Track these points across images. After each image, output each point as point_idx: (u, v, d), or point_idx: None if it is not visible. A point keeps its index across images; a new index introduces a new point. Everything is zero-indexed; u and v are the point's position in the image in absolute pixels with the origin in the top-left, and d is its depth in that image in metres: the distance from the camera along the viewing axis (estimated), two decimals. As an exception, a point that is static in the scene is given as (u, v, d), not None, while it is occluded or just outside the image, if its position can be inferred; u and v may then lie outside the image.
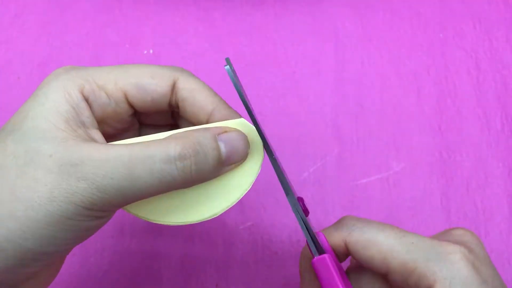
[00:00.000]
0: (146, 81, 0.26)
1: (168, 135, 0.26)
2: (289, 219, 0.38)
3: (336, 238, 0.28)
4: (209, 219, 0.27)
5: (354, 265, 0.29)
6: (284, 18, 0.45)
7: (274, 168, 0.26)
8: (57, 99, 0.24)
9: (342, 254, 0.28)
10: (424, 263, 0.25)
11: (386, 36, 0.44)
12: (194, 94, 0.27)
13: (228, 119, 0.27)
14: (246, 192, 0.27)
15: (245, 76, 0.43)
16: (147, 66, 0.27)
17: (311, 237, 0.27)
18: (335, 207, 0.39)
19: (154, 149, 0.23)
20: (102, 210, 0.24)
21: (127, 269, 0.38)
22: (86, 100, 0.25)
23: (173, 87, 0.27)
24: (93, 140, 0.25)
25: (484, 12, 0.45)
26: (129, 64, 0.27)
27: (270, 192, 0.39)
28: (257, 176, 0.27)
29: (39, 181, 0.23)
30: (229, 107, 0.28)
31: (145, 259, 0.38)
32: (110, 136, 0.28)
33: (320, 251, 0.27)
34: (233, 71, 0.26)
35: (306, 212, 0.28)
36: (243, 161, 0.27)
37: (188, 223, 0.27)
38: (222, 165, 0.26)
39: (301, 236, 0.39)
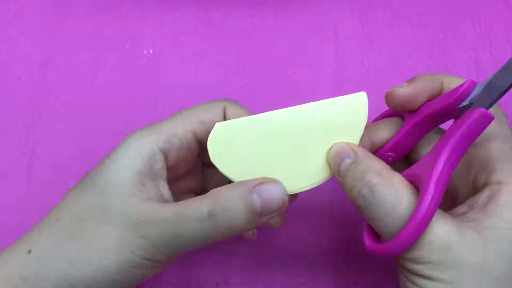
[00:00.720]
0: (205, 116, 0.30)
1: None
2: (288, 219, 0.38)
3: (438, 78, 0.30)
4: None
5: None
6: (284, 18, 0.45)
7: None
8: (133, 154, 0.28)
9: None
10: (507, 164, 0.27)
11: (386, 36, 0.44)
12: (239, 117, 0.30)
13: None
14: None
15: (245, 76, 0.43)
16: (199, 105, 0.31)
17: None
18: (335, 207, 0.39)
19: (191, 209, 0.27)
20: (158, 260, 0.28)
21: (127, 269, 0.38)
22: (162, 151, 0.29)
23: (224, 115, 0.31)
24: (159, 192, 0.29)
25: (484, 12, 0.45)
26: (183, 110, 0.31)
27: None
28: None
29: (110, 235, 0.27)
30: None
31: (145, 259, 0.38)
32: (177, 179, 0.32)
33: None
34: None
35: None
36: (284, 208, 0.28)
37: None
38: (259, 216, 0.27)
39: (300, 235, 0.39)
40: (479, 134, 0.26)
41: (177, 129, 0.29)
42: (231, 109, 0.31)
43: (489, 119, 0.25)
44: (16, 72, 0.43)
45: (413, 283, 0.26)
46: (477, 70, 0.43)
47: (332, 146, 0.29)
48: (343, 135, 0.29)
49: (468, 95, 0.27)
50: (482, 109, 0.25)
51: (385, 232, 0.26)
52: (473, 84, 0.27)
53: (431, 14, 0.45)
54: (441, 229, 0.25)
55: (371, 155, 0.28)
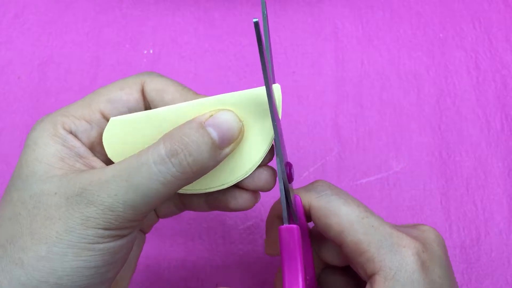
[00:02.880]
0: (116, 95, 0.27)
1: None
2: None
3: (303, 199, 0.28)
4: (231, 184, 0.27)
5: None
6: (284, 18, 0.45)
7: (273, 124, 0.26)
8: (46, 142, 0.25)
9: (307, 216, 0.29)
10: (376, 248, 0.26)
11: (386, 36, 0.44)
12: (161, 93, 0.27)
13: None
14: (261, 161, 0.27)
15: (245, 76, 0.43)
16: (115, 81, 0.28)
17: (288, 204, 0.27)
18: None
19: (146, 155, 0.24)
20: (120, 228, 0.24)
21: (127, 269, 0.38)
22: (71, 133, 0.26)
23: (143, 92, 0.27)
24: (92, 168, 0.26)
25: (484, 12, 0.45)
26: (99, 88, 0.28)
27: (270, 193, 0.39)
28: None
29: (52, 218, 0.23)
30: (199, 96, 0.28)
31: (145, 259, 0.38)
32: (109, 162, 0.28)
33: (292, 220, 0.28)
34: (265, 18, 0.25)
35: (290, 178, 0.27)
36: (242, 136, 0.26)
37: (211, 190, 0.27)
38: (219, 148, 0.25)
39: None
40: (298, 241, 0.27)
41: (84, 110, 0.26)
42: (150, 84, 0.27)
43: (290, 230, 0.27)
44: (16, 72, 0.43)
45: None
46: (477, 70, 0.43)
47: None
48: (255, 130, 0.27)
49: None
50: (280, 227, 0.27)
51: None
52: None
53: (431, 14, 0.45)
54: None
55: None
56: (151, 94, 0.27)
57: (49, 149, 0.25)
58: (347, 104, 0.42)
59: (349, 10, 0.45)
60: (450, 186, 0.40)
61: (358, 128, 0.41)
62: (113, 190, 0.23)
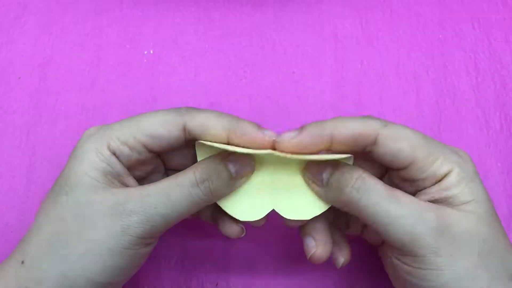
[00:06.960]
0: (159, 132, 0.31)
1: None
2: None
3: (369, 128, 0.30)
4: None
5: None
6: (284, 19, 0.45)
7: None
8: (93, 159, 0.30)
9: (370, 144, 0.30)
10: (446, 155, 0.30)
11: (386, 37, 0.44)
12: (203, 128, 0.31)
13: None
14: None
15: (245, 77, 0.43)
16: (156, 115, 0.31)
17: None
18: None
19: (182, 178, 0.29)
20: (151, 237, 0.29)
21: (128, 269, 0.38)
22: (114, 154, 0.30)
23: (184, 129, 0.31)
24: (127, 186, 0.31)
25: (483, 13, 0.45)
26: (141, 115, 0.31)
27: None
28: None
29: (98, 224, 0.28)
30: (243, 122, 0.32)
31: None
32: (141, 178, 0.33)
33: None
34: None
35: None
36: (252, 172, 0.32)
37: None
38: (235, 179, 0.31)
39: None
40: None
41: (128, 139, 0.30)
42: (192, 123, 0.31)
43: None
44: (17, 72, 0.43)
45: (409, 273, 0.29)
46: (476, 70, 0.43)
47: (306, 166, 0.32)
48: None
49: None
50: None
51: (381, 214, 0.28)
52: None
53: (430, 14, 0.45)
54: (430, 212, 0.28)
55: None
56: (194, 130, 0.31)
57: (95, 165, 0.29)
58: (346, 105, 0.42)
59: (348, 11, 0.45)
60: (449, 186, 0.40)
61: (358, 128, 0.41)
62: (153, 203, 0.28)
